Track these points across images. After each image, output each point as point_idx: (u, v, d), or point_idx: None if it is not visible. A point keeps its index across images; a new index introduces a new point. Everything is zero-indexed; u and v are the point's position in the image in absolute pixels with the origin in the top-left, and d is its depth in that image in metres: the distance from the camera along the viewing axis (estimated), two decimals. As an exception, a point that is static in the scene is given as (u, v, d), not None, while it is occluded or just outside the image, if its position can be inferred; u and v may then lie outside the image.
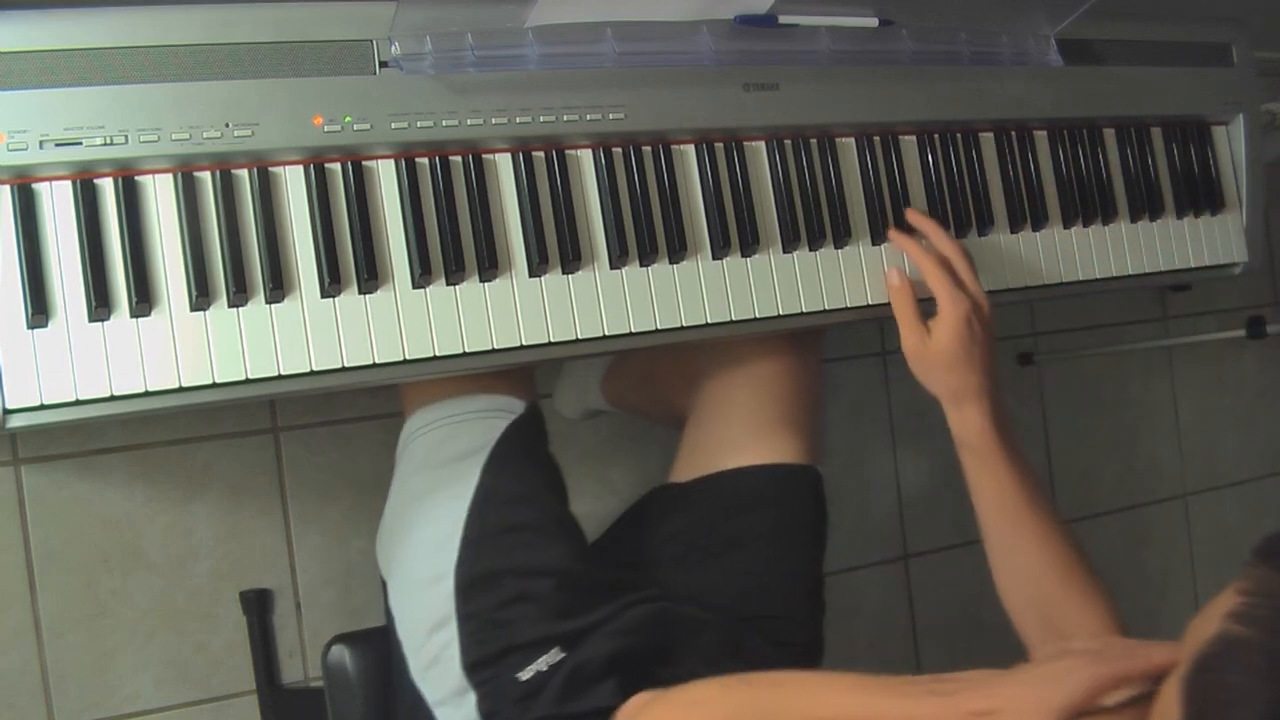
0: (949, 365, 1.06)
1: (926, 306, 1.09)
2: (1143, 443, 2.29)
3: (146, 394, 0.88)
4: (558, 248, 1.01)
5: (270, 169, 0.93)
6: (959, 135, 1.19)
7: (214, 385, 0.90)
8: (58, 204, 0.88)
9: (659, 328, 1.03)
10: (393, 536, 1.09)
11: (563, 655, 0.98)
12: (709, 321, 1.06)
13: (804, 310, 1.10)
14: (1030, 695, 0.75)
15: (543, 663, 0.98)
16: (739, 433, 1.17)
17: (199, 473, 1.55)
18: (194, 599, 1.54)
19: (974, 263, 1.11)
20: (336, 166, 0.95)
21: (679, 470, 1.20)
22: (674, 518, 1.18)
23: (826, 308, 1.10)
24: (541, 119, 0.99)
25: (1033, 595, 1.05)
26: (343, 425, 1.56)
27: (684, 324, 1.05)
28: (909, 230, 1.14)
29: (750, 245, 1.07)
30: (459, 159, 0.99)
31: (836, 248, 1.12)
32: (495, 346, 0.98)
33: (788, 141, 1.11)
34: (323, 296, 0.94)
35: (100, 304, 0.87)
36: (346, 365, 0.94)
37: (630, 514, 1.22)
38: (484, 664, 0.99)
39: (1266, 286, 2.46)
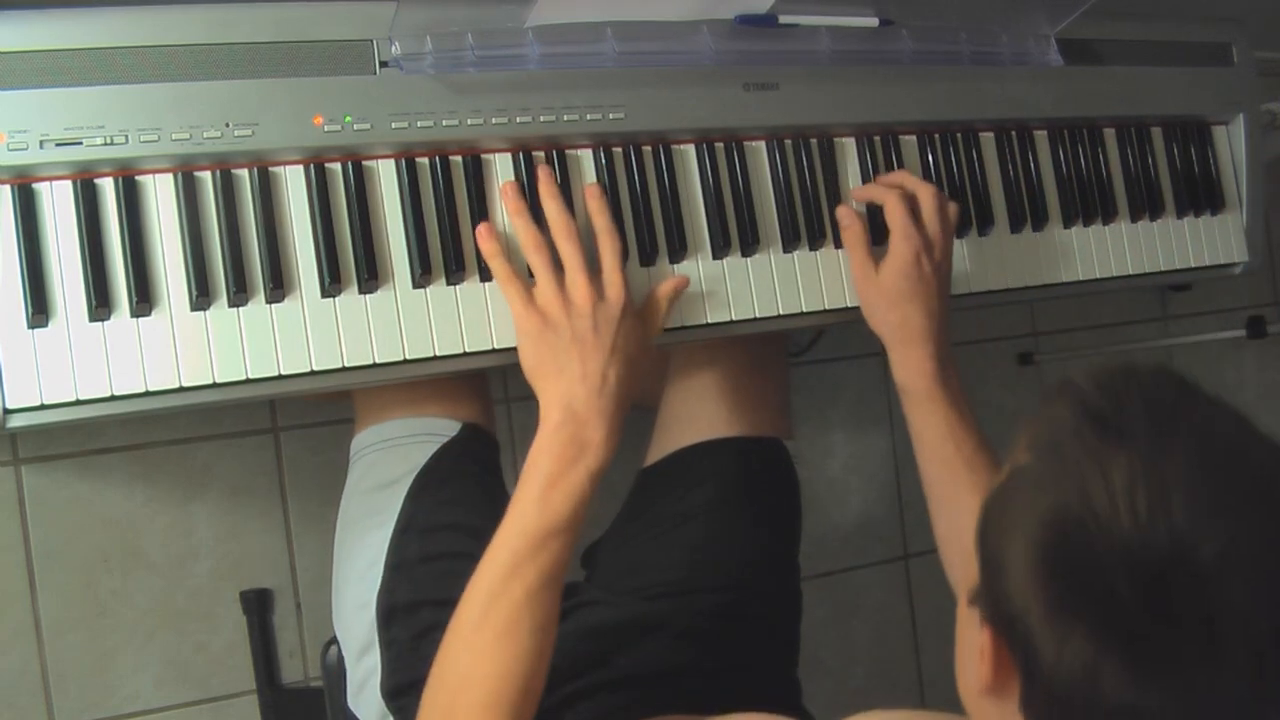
0: (892, 301, 1.05)
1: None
2: (1143, 443, 2.28)
3: (146, 394, 0.88)
4: (558, 248, 1.01)
5: (270, 169, 0.93)
6: (959, 135, 1.19)
7: (214, 385, 0.90)
8: (58, 204, 0.88)
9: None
10: (335, 561, 1.09)
11: None
12: (709, 321, 1.06)
13: (804, 310, 1.09)
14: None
15: None
16: (700, 410, 1.18)
17: (199, 473, 1.55)
18: (194, 599, 1.54)
19: (948, 208, 1.08)
20: (336, 166, 0.95)
21: (650, 454, 1.21)
22: (640, 500, 1.18)
23: (827, 307, 1.10)
24: (541, 119, 0.99)
25: (968, 548, 1.04)
26: (343, 425, 1.56)
27: (684, 324, 1.05)
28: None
29: (750, 245, 1.07)
30: (459, 159, 0.99)
31: (837, 247, 1.11)
32: (496, 346, 0.98)
33: (788, 141, 1.11)
34: (323, 296, 0.94)
35: (100, 304, 0.87)
36: (347, 365, 0.94)
37: (624, 507, 1.23)
38: (401, 691, 1.00)
39: (1266, 286, 2.46)
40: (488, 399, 1.15)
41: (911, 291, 1.04)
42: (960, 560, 1.03)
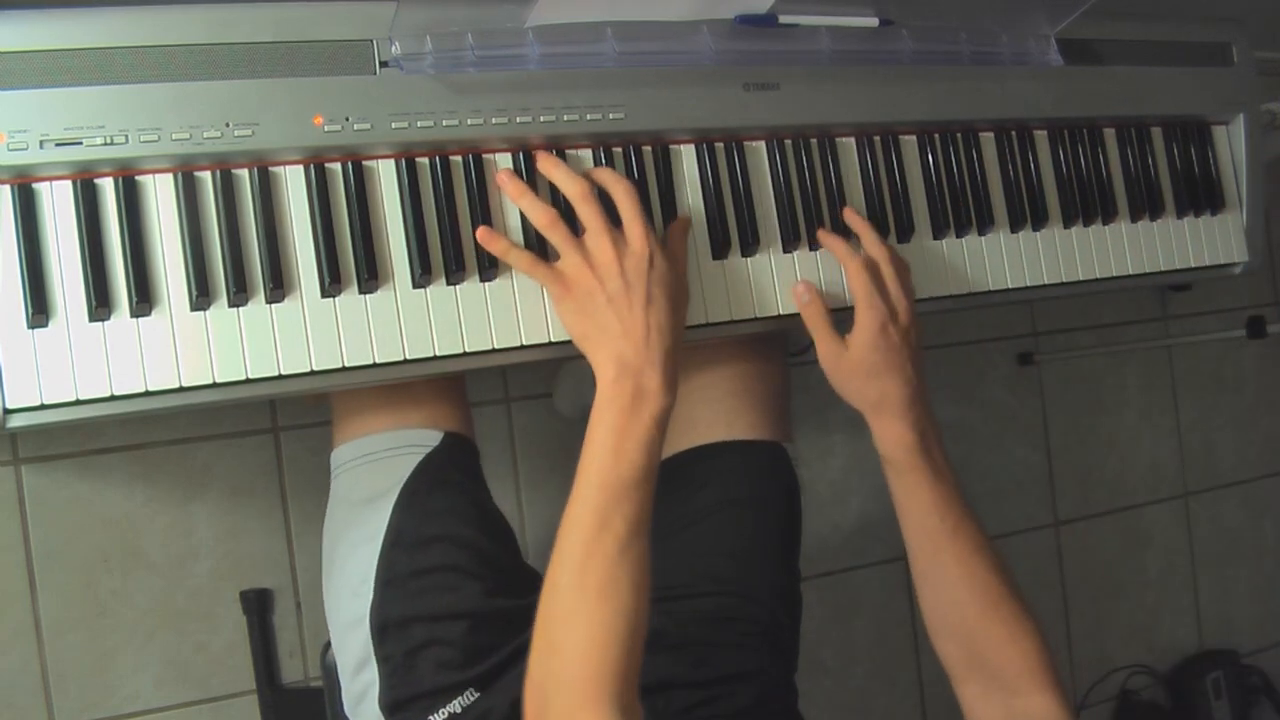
0: (865, 375, 1.04)
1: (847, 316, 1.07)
2: (1143, 443, 2.29)
3: (147, 394, 0.88)
4: (558, 248, 1.01)
5: (270, 169, 0.93)
6: (959, 135, 1.19)
7: (214, 385, 0.90)
8: (58, 204, 0.88)
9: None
10: (324, 575, 1.09)
11: (478, 695, 0.99)
12: (709, 321, 1.06)
13: (804, 310, 1.09)
14: None
15: (456, 705, 0.99)
16: (700, 414, 1.18)
17: (199, 473, 1.55)
18: (194, 599, 1.54)
19: (906, 269, 1.08)
20: (337, 166, 0.95)
21: None
22: None
23: (829, 307, 1.10)
24: (541, 119, 0.99)
25: (955, 624, 1.02)
26: (343, 425, 1.56)
27: (684, 323, 1.04)
28: (845, 232, 1.11)
29: (750, 245, 1.07)
30: (459, 159, 0.99)
31: (837, 248, 1.11)
32: (496, 346, 0.98)
33: (788, 141, 1.11)
34: (323, 296, 0.94)
35: (100, 304, 0.87)
36: (347, 365, 0.94)
37: None
38: (399, 707, 1.00)
39: (1266, 286, 2.46)
40: (466, 406, 1.15)
41: (885, 363, 1.03)
42: (946, 632, 1.02)
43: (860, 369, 1.04)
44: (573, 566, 0.87)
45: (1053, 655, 1.00)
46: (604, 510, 0.88)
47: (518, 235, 1.00)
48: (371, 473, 1.07)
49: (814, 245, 1.10)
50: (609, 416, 0.92)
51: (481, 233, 0.97)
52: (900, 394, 1.03)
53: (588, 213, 0.96)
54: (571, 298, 0.95)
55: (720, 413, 1.17)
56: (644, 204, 1.03)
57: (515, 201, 0.98)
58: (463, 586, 1.02)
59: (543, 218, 0.97)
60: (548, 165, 0.99)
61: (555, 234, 0.96)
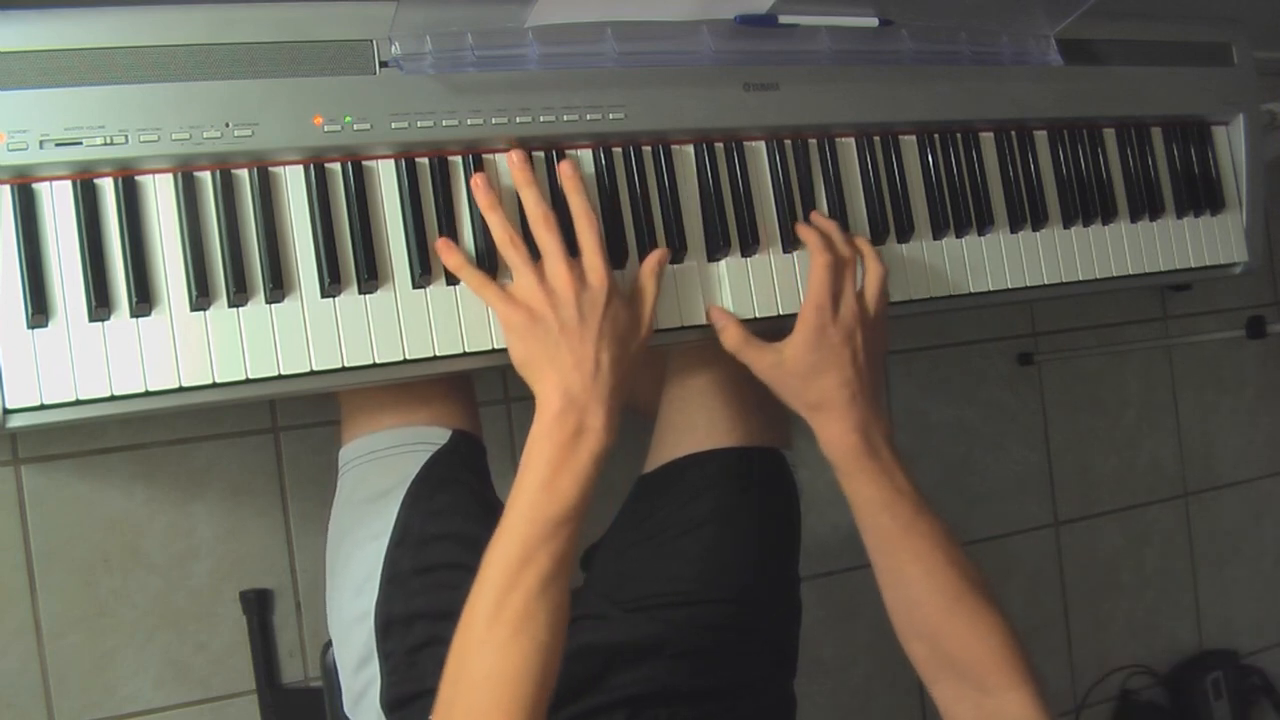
0: (803, 376, 1.02)
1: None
2: (1143, 443, 2.29)
3: (147, 394, 0.88)
4: (558, 248, 1.00)
5: (270, 169, 0.93)
6: (959, 135, 1.19)
7: (214, 385, 0.90)
8: (58, 204, 0.88)
9: (659, 328, 1.03)
10: (328, 572, 1.09)
11: None
12: (709, 323, 1.06)
13: (804, 310, 1.09)
14: None
15: None
16: (698, 419, 1.17)
17: (199, 473, 1.55)
18: (194, 599, 1.54)
19: (849, 277, 1.04)
20: (336, 166, 0.95)
21: (648, 462, 1.21)
22: (638, 508, 1.17)
23: (826, 308, 1.10)
24: (541, 119, 0.99)
25: (919, 625, 1.00)
26: (343, 425, 1.56)
27: (684, 324, 1.05)
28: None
29: (750, 245, 1.07)
30: (459, 159, 0.99)
31: (836, 248, 1.11)
32: (496, 346, 0.98)
33: (788, 141, 1.11)
34: (323, 296, 0.94)
35: (100, 304, 0.87)
36: (347, 365, 0.94)
37: (623, 513, 1.22)
38: (400, 704, 1.00)
39: (1266, 286, 2.46)
40: (474, 405, 1.14)
41: (823, 363, 1.01)
42: (913, 634, 1.01)
43: (797, 370, 1.02)
44: (491, 598, 0.86)
45: (1024, 649, 0.98)
46: (530, 545, 0.87)
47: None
48: (378, 470, 1.07)
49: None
50: (547, 450, 0.89)
51: (441, 244, 0.95)
52: (839, 395, 1.01)
53: (547, 240, 0.94)
54: (521, 320, 0.93)
55: (718, 418, 1.17)
56: (643, 205, 1.04)
57: (483, 212, 0.97)
58: (467, 584, 1.02)
59: (504, 235, 0.95)
60: (521, 181, 0.97)
61: (514, 253, 0.94)
